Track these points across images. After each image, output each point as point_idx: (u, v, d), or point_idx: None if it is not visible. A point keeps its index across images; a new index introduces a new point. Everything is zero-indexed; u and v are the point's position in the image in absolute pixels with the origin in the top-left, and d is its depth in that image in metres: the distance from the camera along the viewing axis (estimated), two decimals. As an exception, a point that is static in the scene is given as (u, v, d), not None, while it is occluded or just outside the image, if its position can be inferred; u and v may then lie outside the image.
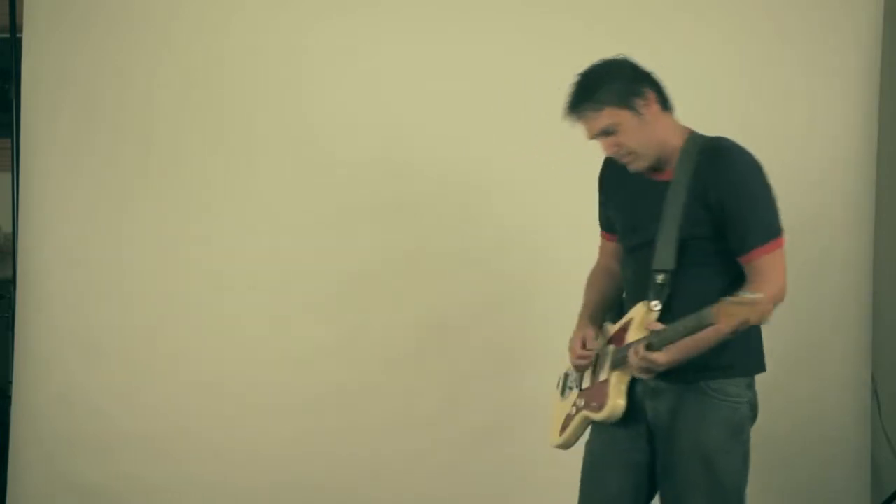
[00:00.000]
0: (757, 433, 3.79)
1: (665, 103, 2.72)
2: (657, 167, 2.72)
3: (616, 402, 2.69)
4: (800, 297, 3.82)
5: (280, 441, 3.90)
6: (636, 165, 2.71)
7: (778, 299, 2.62)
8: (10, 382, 4.06)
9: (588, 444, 2.88)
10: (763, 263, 2.63)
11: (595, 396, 2.77)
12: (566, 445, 2.89)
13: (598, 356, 2.83)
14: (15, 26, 4.13)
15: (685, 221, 2.64)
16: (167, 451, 3.92)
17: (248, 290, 3.92)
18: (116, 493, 3.91)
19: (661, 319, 2.63)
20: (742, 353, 2.71)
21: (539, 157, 3.86)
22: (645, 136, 2.67)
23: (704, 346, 2.57)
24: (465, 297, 3.89)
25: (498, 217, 3.91)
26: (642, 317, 2.68)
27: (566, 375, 2.96)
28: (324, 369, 3.90)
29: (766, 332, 3.64)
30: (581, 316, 2.90)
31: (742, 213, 2.63)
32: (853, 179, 3.86)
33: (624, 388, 2.71)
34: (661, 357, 2.56)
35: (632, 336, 2.69)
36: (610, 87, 2.64)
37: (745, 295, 2.37)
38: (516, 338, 3.70)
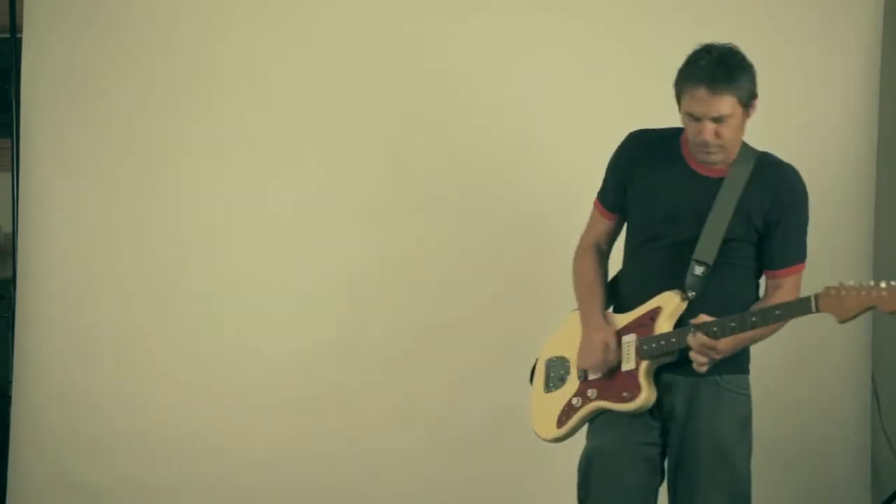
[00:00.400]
0: (757, 433, 3.80)
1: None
2: (717, 162, 2.74)
3: (651, 392, 2.72)
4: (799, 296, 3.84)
5: (280, 441, 3.90)
6: (714, 158, 2.72)
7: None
8: (10, 382, 4.06)
9: (592, 440, 2.86)
10: (790, 282, 2.75)
11: (622, 387, 2.75)
12: (564, 438, 2.88)
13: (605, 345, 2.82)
14: (15, 26, 4.13)
15: (734, 220, 2.70)
16: (167, 451, 3.92)
17: (248, 291, 3.92)
18: (116, 492, 3.91)
19: (687, 311, 2.69)
20: (748, 350, 2.83)
21: (539, 157, 3.87)
22: (738, 136, 2.72)
23: (755, 341, 2.70)
24: (465, 297, 3.89)
25: (498, 217, 3.90)
26: (675, 307, 2.71)
27: (547, 367, 2.94)
28: (324, 369, 3.91)
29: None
30: (593, 312, 2.85)
31: (791, 232, 2.74)
32: (853, 179, 3.86)
33: (652, 378, 2.73)
34: (722, 345, 2.61)
35: (662, 326, 2.70)
36: (749, 81, 2.67)
37: (850, 284, 2.48)
38: (516, 338, 3.69)
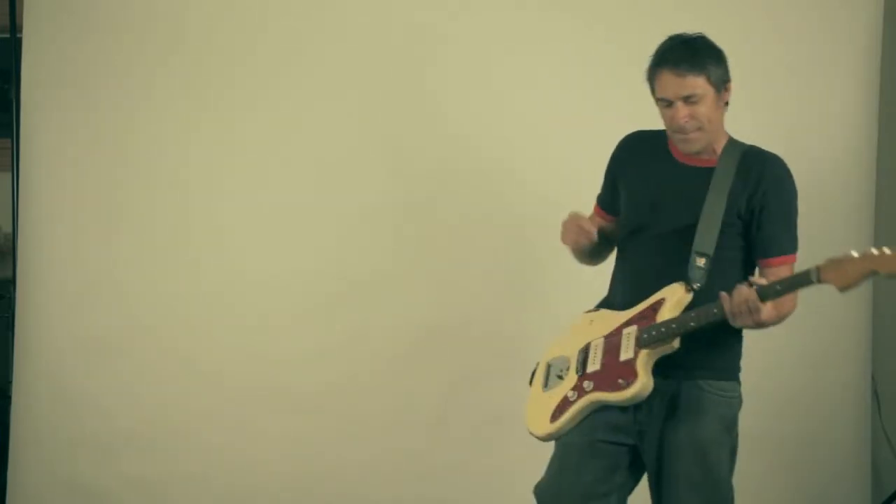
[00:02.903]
0: (757, 433, 3.80)
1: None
2: (700, 152, 2.78)
3: (647, 379, 2.68)
4: (799, 296, 3.84)
5: (280, 441, 3.91)
6: (695, 143, 2.75)
7: (792, 310, 2.77)
8: (10, 382, 4.06)
9: (566, 436, 2.84)
10: (784, 271, 2.74)
11: (618, 375, 2.72)
12: (558, 434, 2.83)
13: (604, 342, 2.81)
14: (15, 26, 4.14)
15: (728, 209, 2.72)
16: (167, 451, 3.92)
17: (248, 291, 3.92)
18: (116, 493, 3.91)
19: (692, 302, 2.69)
20: (735, 356, 2.84)
21: (539, 158, 3.87)
22: (716, 117, 2.75)
23: (775, 320, 2.70)
24: (465, 297, 3.89)
25: (498, 218, 3.91)
26: (680, 297, 2.71)
27: (548, 367, 2.93)
28: (324, 369, 3.91)
29: (766, 331, 3.65)
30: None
31: (779, 219, 2.75)
32: (853, 179, 3.86)
33: (651, 367, 2.70)
34: (765, 313, 2.61)
35: (664, 315, 2.70)
36: (715, 62, 2.73)
37: (849, 253, 2.51)
38: (516, 338, 3.69)
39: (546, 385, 2.91)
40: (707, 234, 2.71)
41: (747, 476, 3.88)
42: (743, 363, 3.68)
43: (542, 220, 3.85)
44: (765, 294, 2.58)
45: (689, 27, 3.82)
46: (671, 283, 2.74)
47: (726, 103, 2.80)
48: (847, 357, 3.90)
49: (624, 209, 2.91)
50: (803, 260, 3.82)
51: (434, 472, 3.90)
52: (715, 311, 2.63)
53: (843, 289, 2.54)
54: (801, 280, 2.58)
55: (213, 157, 3.92)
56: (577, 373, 2.83)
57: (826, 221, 3.85)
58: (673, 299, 2.72)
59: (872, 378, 3.99)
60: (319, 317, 3.92)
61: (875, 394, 4.02)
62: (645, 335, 2.71)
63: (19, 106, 4.01)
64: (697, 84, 2.69)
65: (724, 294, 2.61)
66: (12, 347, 4.04)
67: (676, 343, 2.69)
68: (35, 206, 3.96)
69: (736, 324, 2.62)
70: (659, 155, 2.84)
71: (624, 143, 2.96)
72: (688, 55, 2.70)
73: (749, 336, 3.86)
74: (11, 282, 4.19)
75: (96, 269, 3.94)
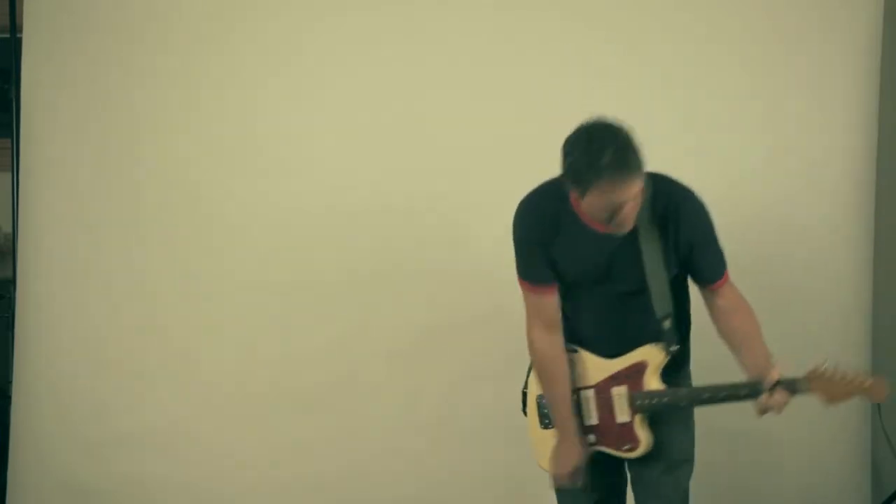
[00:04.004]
0: (757, 433, 3.80)
1: None
2: None
3: (649, 439, 2.86)
4: (799, 297, 3.84)
5: (280, 441, 3.91)
6: (629, 226, 2.73)
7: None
8: (10, 382, 4.07)
9: None
10: (728, 289, 2.87)
11: (620, 438, 2.89)
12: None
13: (595, 397, 2.92)
14: (15, 26, 4.14)
15: (667, 266, 2.81)
16: (167, 451, 3.92)
17: (248, 291, 3.92)
18: (115, 493, 3.92)
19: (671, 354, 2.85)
20: (685, 351, 2.97)
21: (539, 158, 3.86)
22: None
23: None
24: (466, 297, 3.88)
25: (498, 218, 3.89)
26: (660, 362, 2.84)
27: (538, 404, 3.02)
28: (324, 369, 3.91)
29: (766, 332, 3.65)
30: (567, 423, 2.92)
31: (710, 250, 2.86)
32: (853, 179, 3.86)
33: (647, 424, 2.86)
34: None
35: (650, 381, 2.84)
36: (639, 155, 2.67)
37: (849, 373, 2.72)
38: (516, 339, 3.68)
39: (542, 423, 3.03)
40: (662, 298, 2.81)
41: (747, 476, 3.90)
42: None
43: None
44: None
45: (689, 27, 3.85)
46: (641, 337, 2.85)
47: None
48: (847, 357, 3.89)
49: (566, 269, 2.87)
50: (804, 260, 3.84)
51: (434, 472, 3.90)
52: (743, 393, 2.75)
53: (828, 404, 2.71)
54: (794, 387, 2.73)
55: (213, 157, 3.92)
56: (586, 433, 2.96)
57: (826, 221, 3.86)
58: (654, 363, 2.85)
59: (872, 378, 3.98)
60: (319, 317, 3.92)
61: (875, 394, 4.01)
62: (639, 402, 2.85)
63: (19, 106, 4.01)
64: (639, 183, 2.64)
65: (764, 397, 2.71)
66: (12, 347, 4.05)
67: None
68: (35, 206, 3.96)
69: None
70: (574, 222, 2.79)
71: (535, 215, 2.87)
72: (632, 162, 2.63)
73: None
74: (11, 282, 4.19)
75: (96, 269, 3.94)
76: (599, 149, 2.61)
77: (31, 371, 3.97)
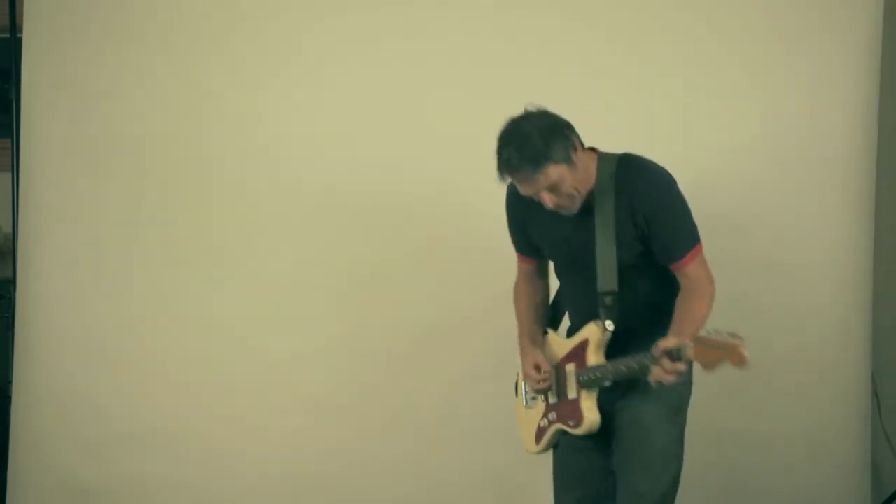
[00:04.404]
0: (757, 433, 3.80)
1: (582, 143, 2.86)
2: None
3: (593, 418, 2.90)
4: (800, 297, 3.84)
5: (280, 441, 3.91)
6: (574, 208, 2.83)
7: (713, 295, 2.84)
8: (10, 382, 4.06)
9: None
10: (693, 269, 2.83)
11: (569, 414, 2.95)
12: (546, 450, 3.10)
13: (556, 372, 3.01)
14: (15, 26, 4.14)
15: (619, 243, 2.82)
16: (167, 451, 3.92)
17: (248, 291, 3.92)
18: (115, 493, 3.92)
19: (616, 334, 2.85)
20: None
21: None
22: (578, 178, 2.81)
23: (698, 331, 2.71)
24: (465, 297, 3.88)
25: (498, 218, 3.89)
26: (599, 339, 2.88)
27: (525, 384, 3.13)
28: (324, 370, 3.91)
29: (766, 332, 3.65)
30: (522, 341, 3.09)
31: (669, 226, 2.82)
32: (853, 179, 3.86)
33: (594, 402, 2.90)
34: (690, 358, 2.67)
35: (592, 357, 2.89)
36: (548, 147, 2.74)
37: (723, 335, 2.54)
38: (516, 339, 3.69)
39: (526, 402, 3.14)
40: (607, 274, 2.83)
41: (747, 476, 3.90)
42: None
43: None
44: (654, 367, 2.68)
45: (689, 27, 3.85)
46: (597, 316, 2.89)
47: (582, 146, 2.85)
48: (847, 357, 3.90)
49: (542, 247, 3.05)
50: (805, 260, 3.84)
51: (434, 473, 3.90)
52: (647, 363, 2.71)
53: (706, 370, 2.60)
54: (677, 354, 2.62)
55: (213, 157, 3.92)
56: (542, 401, 3.06)
57: (825, 221, 3.86)
58: (594, 340, 2.89)
59: (872, 378, 3.99)
60: (319, 316, 3.92)
61: (875, 394, 4.02)
62: (582, 378, 2.91)
63: (19, 106, 4.01)
64: (545, 177, 2.75)
65: (654, 369, 2.68)
66: (12, 347, 4.04)
67: (611, 382, 2.86)
68: (35, 206, 3.96)
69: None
70: (541, 204, 2.87)
71: (512, 197, 3.03)
72: (528, 164, 2.74)
73: (749, 336, 3.86)
74: (11, 282, 4.19)
75: (96, 269, 3.94)
76: (501, 147, 2.79)
77: (31, 371, 3.97)
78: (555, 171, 2.74)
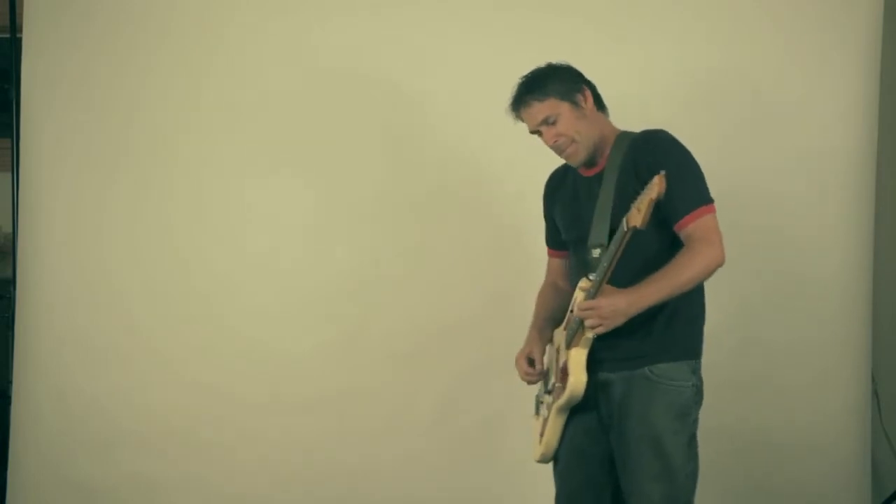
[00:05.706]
0: (757, 433, 3.80)
1: (600, 103, 2.94)
2: (592, 161, 2.90)
3: (578, 378, 2.78)
4: (799, 296, 3.84)
5: (279, 441, 3.91)
6: (576, 155, 2.89)
7: (717, 261, 2.72)
8: (10, 382, 4.07)
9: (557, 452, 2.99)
10: (696, 228, 2.72)
11: (561, 384, 2.87)
12: (547, 453, 2.97)
13: (556, 358, 2.95)
14: (15, 26, 4.14)
15: (618, 198, 2.77)
16: (167, 451, 3.92)
17: (248, 291, 3.92)
18: (116, 492, 3.91)
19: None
20: (682, 336, 2.84)
21: (539, 157, 3.86)
22: (583, 126, 2.87)
23: (668, 290, 2.68)
24: (466, 298, 3.89)
25: (497, 217, 3.91)
26: (585, 287, 2.79)
27: (536, 396, 3.08)
28: (323, 370, 3.91)
29: (766, 331, 3.65)
30: (530, 329, 3.07)
31: (680, 178, 2.70)
32: (853, 179, 3.86)
33: (583, 362, 2.79)
34: (620, 301, 2.65)
35: (577, 309, 2.79)
36: (553, 81, 2.89)
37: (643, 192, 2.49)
38: (516, 338, 3.68)
39: (536, 411, 3.08)
40: (600, 225, 2.79)
41: (747, 476, 3.89)
42: (743, 363, 3.69)
43: (542, 220, 3.86)
44: (595, 287, 2.68)
45: (689, 27, 3.85)
46: None
47: (600, 106, 2.93)
48: (847, 357, 3.90)
49: (561, 227, 3.06)
50: (804, 259, 3.84)
51: (434, 472, 3.90)
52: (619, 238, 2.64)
53: (642, 224, 2.49)
54: (617, 237, 2.60)
55: (212, 157, 3.92)
56: (547, 393, 2.99)
57: (825, 221, 3.86)
58: (578, 298, 2.81)
59: (872, 378, 3.99)
60: (319, 317, 3.92)
61: (875, 394, 4.02)
62: (566, 330, 2.87)
63: (19, 106, 4.01)
64: (546, 107, 2.87)
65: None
66: (12, 347, 4.04)
67: (590, 333, 2.74)
68: (35, 206, 3.96)
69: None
70: (568, 178, 3.01)
71: (546, 182, 3.12)
72: (527, 88, 2.90)
73: (749, 336, 3.87)
74: (11, 282, 4.19)
75: (96, 269, 3.94)
76: (516, 85, 2.93)
77: (31, 371, 3.97)
78: (556, 106, 2.85)
